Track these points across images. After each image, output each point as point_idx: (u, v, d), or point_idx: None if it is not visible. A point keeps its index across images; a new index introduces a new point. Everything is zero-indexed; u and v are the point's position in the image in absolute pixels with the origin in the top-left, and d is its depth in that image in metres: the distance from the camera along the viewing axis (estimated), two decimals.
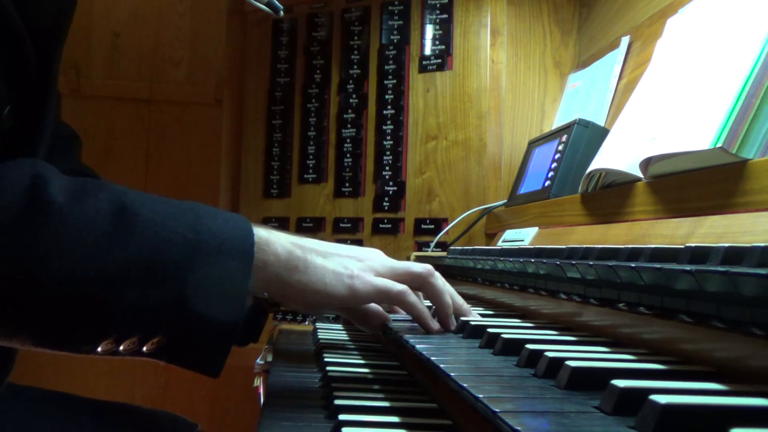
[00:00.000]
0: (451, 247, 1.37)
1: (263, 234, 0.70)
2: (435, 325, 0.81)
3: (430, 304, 0.83)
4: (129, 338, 0.62)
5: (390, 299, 0.78)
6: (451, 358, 0.64)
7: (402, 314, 0.91)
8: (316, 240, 0.76)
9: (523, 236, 1.19)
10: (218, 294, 0.63)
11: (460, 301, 0.86)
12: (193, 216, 0.65)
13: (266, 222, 1.84)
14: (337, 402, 0.65)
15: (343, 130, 1.77)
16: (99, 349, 0.63)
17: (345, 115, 1.77)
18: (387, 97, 1.70)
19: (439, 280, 0.81)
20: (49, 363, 2.33)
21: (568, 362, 0.51)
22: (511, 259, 0.92)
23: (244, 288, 0.65)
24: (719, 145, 0.69)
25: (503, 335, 0.67)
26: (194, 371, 0.66)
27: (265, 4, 1.07)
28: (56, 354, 0.64)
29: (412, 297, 0.78)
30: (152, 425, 1.02)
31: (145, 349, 0.63)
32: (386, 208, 1.68)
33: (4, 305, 0.60)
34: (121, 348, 0.63)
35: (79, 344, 0.63)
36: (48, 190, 0.60)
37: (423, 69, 1.67)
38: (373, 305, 0.85)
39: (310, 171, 1.81)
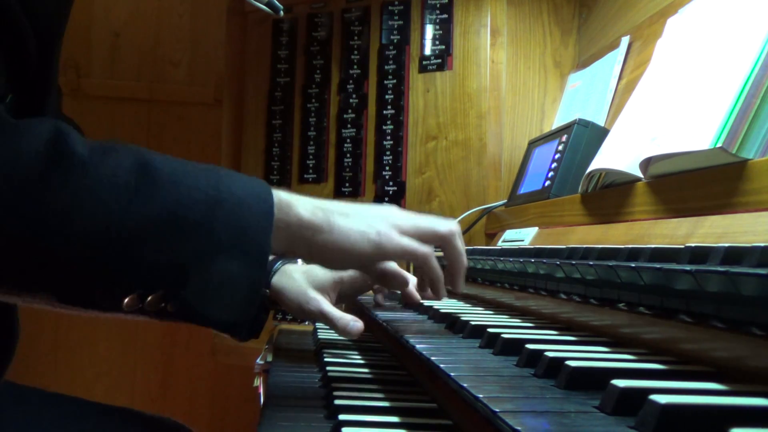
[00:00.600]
0: None
1: (284, 197, 0.70)
2: (444, 293, 0.81)
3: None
4: (152, 293, 0.62)
5: (414, 259, 0.77)
6: (451, 358, 0.64)
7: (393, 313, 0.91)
8: (338, 202, 0.76)
9: (523, 236, 1.19)
10: (241, 248, 0.63)
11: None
12: (213, 175, 0.66)
13: None
14: (337, 402, 0.65)
15: (343, 130, 1.77)
16: (124, 304, 0.62)
17: (345, 115, 1.77)
18: (387, 97, 1.70)
19: (460, 243, 0.81)
20: (49, 363, 2.33)
21: (568, 362, 0.51)
22: (511, 259, 0.92)
23: (266, 244, 0.65)
24: (719, 145, 0.69)
25: (503, 335, 0.67)
26: (218, 329, 0.66)
27: (265, 4, 1.07)
28: (72, 320, 0.64)
29: (434, 262, 0.78)
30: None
31: (168, 307, 0.63)
32: None
33: (29, 258, 0.60)
34: (146, 304, 0.63)
35: (103, 300, 0.63)
36: (70, 142, 0.60)
37: (423, 69, 1.67)
38: (395, 266, 0.84)
39: (310, 171, 1.81)
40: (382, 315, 0.92)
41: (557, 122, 1.58)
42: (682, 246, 0.59)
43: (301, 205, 0.70)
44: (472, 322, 0.78)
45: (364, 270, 0.85)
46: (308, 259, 0.75)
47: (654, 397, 0.38)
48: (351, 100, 1.76)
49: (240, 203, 0.64)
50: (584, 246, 0.77)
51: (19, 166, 0.58)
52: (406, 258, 0.77)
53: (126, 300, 0.62)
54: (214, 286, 0.63)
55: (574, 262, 0.72)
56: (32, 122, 0.62)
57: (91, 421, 0.96)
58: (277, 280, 0.95)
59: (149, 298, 0.63)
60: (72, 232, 0.59)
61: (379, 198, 1.69)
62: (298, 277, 0.95)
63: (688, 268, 0.51)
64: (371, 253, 0.74)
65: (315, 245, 0.71)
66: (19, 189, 0.57)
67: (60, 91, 0.94)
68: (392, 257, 0.77)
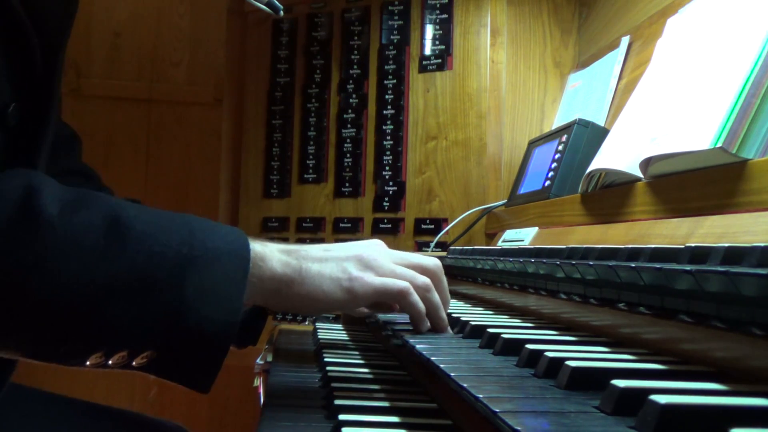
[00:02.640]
0: (451, 247, 1.37)
1: (258, 249, 0.69)
2: (426, 327, 0.79)
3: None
4: (118, 352, 0.62)
5: (389, 298, 0.76)
6: (451, 358, 0.64)
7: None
8: (312, 245, 0.75)
9: (523, 236, 1.19)
10: (211, 311, 0.62)
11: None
12: (187, 230, 0.64)
13: (266, 222, 1.84)
14: (337, 402, 0.65)
15: (343, 130, 1.77)
16: (88, 362, 0.62)
17: (345, 115, 1.77)
18: (387, 97, 1.70)
19: (435, 296, 0.78)
20: (48, 365, 2.32)
21: (568, 362, 0.51)
22: (511, 259, 0.92)
23: (237, 305, 0.64)
24: (719, 145, 0.69)
25: (503, 335, 0.67)
26: (184, 386, 0.65)
27: (265, 4, 1.07)
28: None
29: (412, 298, 0.76)
30: None
31: (134, 363, 0.63)
32: (386, 208, 1.68)
33: None
34: (110, 362, 0.62)
35: (67, 357, 0.62)
36: (40, 202, 0.60)
37: (423, 69, 1.67)
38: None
39: (310, 171, 1.81)
40: (382, 315, 0.92)
41: (557, 122, 1.58)
42: (682, 246, 0.59)
43: (275, 258, 0.70)
44: (472, 322, 0.78)
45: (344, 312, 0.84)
46: (279, 310, 0.75)
47: (654, 397, 0.38)
48: (351, 100, 1.76)
49: (213, 261, 0.63)
50: (584, 246, 0.77)
51: None
52: (381, 298, 0.76)
53: (90, 359, 0.62)
54: (183, 347, 0.63)
55: (574, 262, 0.72)
56: (3, 179, 0.61)
57: (95, 424, 0.96)
58: None
59: (114, 357, 0.62)
60: (36, 293, 0.58)
61: (379, 198, 1.69)
62: None
63: (688, 268, 0.51)
64: (345, 300, 0.73)
65: (287, 297, 0.71)
66: None
67: (60, 97, 0.94)
68: (366, 301, 0.75)
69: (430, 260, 0.81)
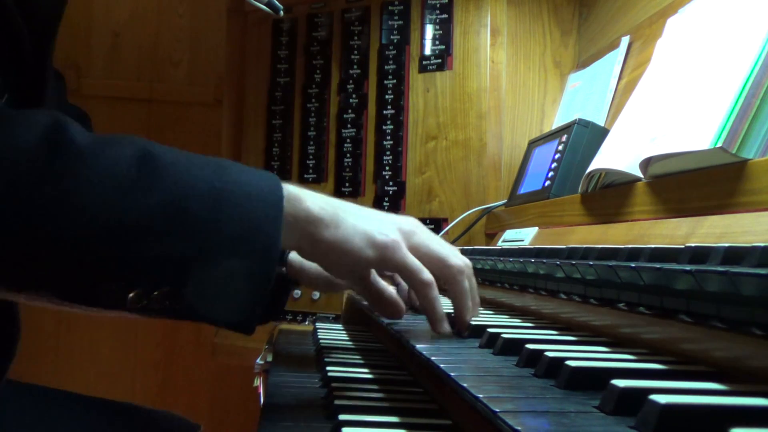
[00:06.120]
0: None
1: (293, 190, 0.67)
2: (443, 329, 0.77)
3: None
4: (156, 290, 0.60)
5: (412, 283, 0.74)
6: (451, 358, 0.64)
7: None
8: (349, 203, 0.73)
9: (523, 236, 1.19)
10: (248, 243, 0.61)
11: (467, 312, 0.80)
12: (219, 167, 0.63)
13: None
14: (337, 402, 0.65)
15: (343, 130, 1.77)
16: (127, 300, 0.59)
17: (345, 115, 1.77)
18: (387, 97, 1.70)
19: (465, 283, 0.77)
20: (49, 363, 2.33)
21: (568, 362, 0.51)
22: (511, 259, 0.92)
23: (275, 238, 0.62)
24: (719, 145, 0.69)
25: (503, 335, 0.67)
26: (226, 327, 0.64)
27: (265, 4, 1.08)
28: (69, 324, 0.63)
29: (434, 293, 0.74)
30: (155, 426, 1.02)
31: (175, 305, 0.61)
32: (386, 208, 1.68)
33: (26, 252, 0.57)
34: (150, 302, 0.60)
35: (105, 296, 0.60)
36: (69, 132, 0.58)
37: (423, 69, 1.67)
38: (393, 293, 0.82)
39: (310, 171, 1.81)
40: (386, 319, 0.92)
41: (557, 122, 1.58)
42: (682, 246, 0.59)
43: (310, 200, 0.68)
44: (472, 322, 0.78)
45: (362, 283, 0.81)
46: (310, 257, 0.73)
47: (654, 397, 0.38)
48: (351, 100, 1.76)
49: (247, 195, 0.62)
50: (584, 246, 0.77)
51: (15, 155, 0.56)
52: (405, 277, 0.74)
53: (130, 296, 0.59)
54: (219, 284, 0.61)
55: (574, 262, 0.72)
56: (30, 112, 0.60)
57: (93, 416, 0.97)
58: (296, 255, 0.91)
59: (153, 295, 0.60)
60: (69, 223, 0.57)
61: (379, 198, 1.69)
62: None
63: (688, 268, 0.51)
64: (373, 257, 0.71)
65: (319, 241, 0.69)
66: (14, 179, 0.55)
67: (63, 78, 0.93)
68: (392, 268, 0.73)
69: (457, 259, 0.78)
